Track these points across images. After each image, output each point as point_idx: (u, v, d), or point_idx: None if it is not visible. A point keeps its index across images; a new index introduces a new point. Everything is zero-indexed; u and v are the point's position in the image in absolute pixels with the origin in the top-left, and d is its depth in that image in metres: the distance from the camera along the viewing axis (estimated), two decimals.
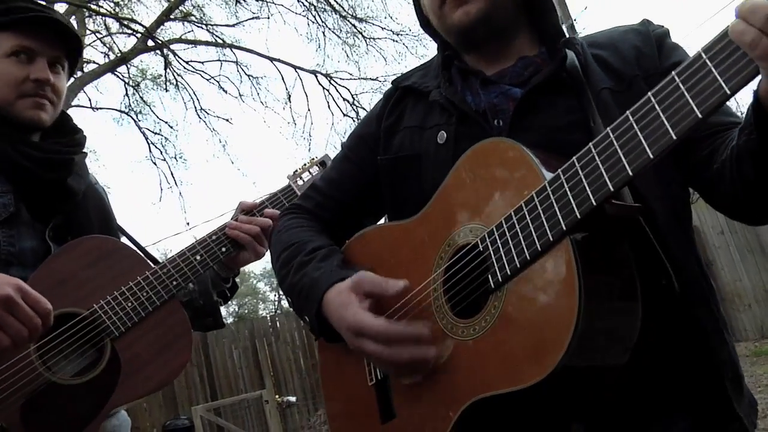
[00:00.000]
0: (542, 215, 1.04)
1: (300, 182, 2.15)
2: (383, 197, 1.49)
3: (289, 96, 16.65)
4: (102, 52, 15.49)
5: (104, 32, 15.30)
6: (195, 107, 16.27)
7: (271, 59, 15.88)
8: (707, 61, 0.87)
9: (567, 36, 1.38)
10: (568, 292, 0.99)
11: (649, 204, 1.16)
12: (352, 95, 16.35)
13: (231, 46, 16.05)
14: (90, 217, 1.93)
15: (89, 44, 15.18)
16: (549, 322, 1.01)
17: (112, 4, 15.00)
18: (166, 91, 15.82)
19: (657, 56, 1.32)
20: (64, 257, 1.78)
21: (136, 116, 16.04)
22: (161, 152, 16.17)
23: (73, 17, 14.51)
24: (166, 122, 16.53)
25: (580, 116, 1.26)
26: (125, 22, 14.34)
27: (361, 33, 16.04)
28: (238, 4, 15.85)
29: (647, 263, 1.10)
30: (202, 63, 16.23)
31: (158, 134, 16.25)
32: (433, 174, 1.32)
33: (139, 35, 14.45)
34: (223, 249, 1.97)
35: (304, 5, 16.11)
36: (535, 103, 1.31)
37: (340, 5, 16.06)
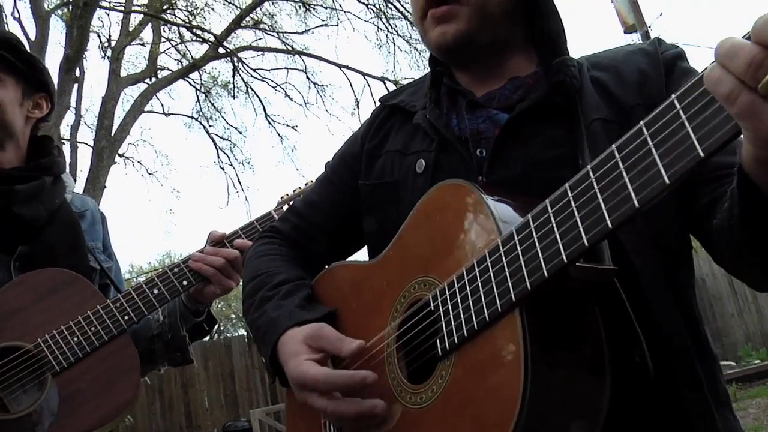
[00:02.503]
0: (493, 279, 0.92)
1: (287, 208, 2.03)
2: (364, 223, 1.39)
3: (358, 103, 16.63)
4: (176, 59, 15.92)
5: (178, 40, 15.69)
6: (264, 113, 16.45)
7: (340, 66, 15.93)
8: (681, 111, 0.71)
9: (566, 55, 1.24)
10: (514, 369, 0.86)
11: (630, 261, 1.02)
12: None
13: (301, 53, 16.20)
14: (55, 245, 1.88)
15: (163, 51, 15.61)
16: (493, 402, 0.89)
17: (186, 13, 15.39)
18: (234, 98, 16.08)
19: (664, 82, 1.16)
20: (16, 289, 1.76)
21: (207, 122, 16.38)
22: (229, 158, 16.43)
23: (149, 26, 14.95)
24: (236, 128, 16.65)
25: (568, 149, 1.13)
26: (197, 31, 14.64)
27: None
28: (307, 12, 15.98)
29: (623, 334, 0.96)
30: (269, 71, 16.37)
31: (226, 140, 16.53)
32: (411, 204, 1.20)
33: (210, 43, 14.73)
34: (185, 282, 1.88)
35: (373, 11, 16.12)
36: (520, 131, 1.18)
37: (408, 11, 15.97)
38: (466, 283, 0.97)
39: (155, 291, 1.85)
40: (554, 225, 0.84)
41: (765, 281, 0.98)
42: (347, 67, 15.86)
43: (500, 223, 0.95)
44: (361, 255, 1.47)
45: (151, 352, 2.00)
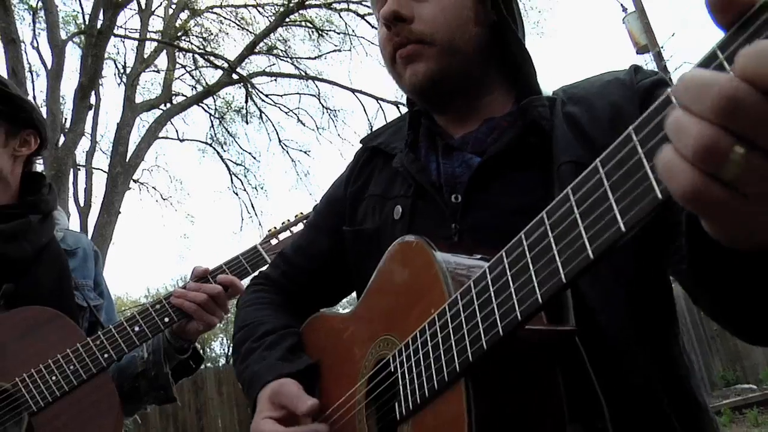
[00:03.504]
0: (441, 346, 0.88)
1: (275, 242, 1.99)
2: (351, 268, 1.36)
3: (371, 127, 16.66)
4: (190, 85, 16.07)
5: (192, 66, 15.85)
6: (278, 138, 16.52)
7: (353, 90, 16.00)
8: (638, 145, 0.61)
9: (537, 91, 1.19)
10: None
11: (595, 317, 0.94)
12: None
13: (314, 78, 16.30)
14: (40, 283, 1.86)
15: (178, 78, 15.77)
16: None
17: (200, 40, 15.56)
18: (247, 123, 16.16)
19: (639, 115, 1.08)
20: None
21: (221, 147, 16.47)
22: (242, 183, 16.50)
23: (164, 53, 15.12)
24: (249, 153, 16.74)
25: (541, 195, 1.06)
26: (210, 57, 14.77)
27: None
28: (320, 38, 16.09)
29: (585, 398, 0.88)
30: (282, 96, 16.47)
31: (240, 165, 16.62)
32: None
33: (223, 69, 14.86)
34: (166, 319, 1.84)
35: None
36: (492, 176, 1.13)
37: None
38: (419, 346, 0.93)
39: (136, 328, 1.81)
40: (492, 293, 0.80)
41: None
42: (360, 92, 15.94)
43: (450, 285, 0.91)
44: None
45: (136, 390, 1.96)
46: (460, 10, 1.20)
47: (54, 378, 1.70)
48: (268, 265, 1.64)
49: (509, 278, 0.77)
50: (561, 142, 1.10)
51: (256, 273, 1.82)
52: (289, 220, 2.03)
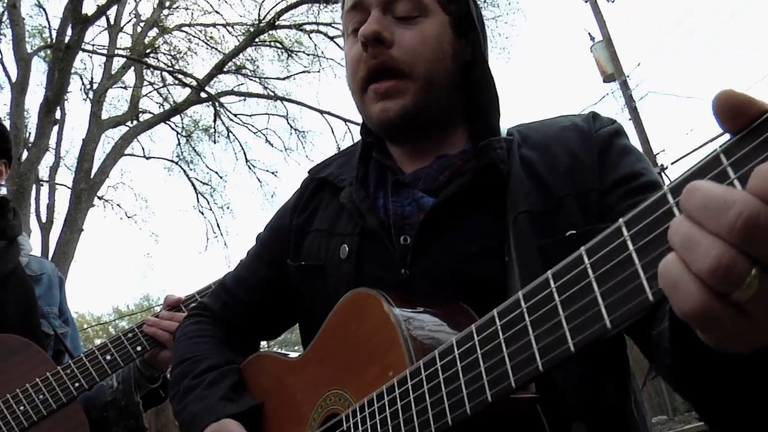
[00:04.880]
0: (400, 415, 0.88)
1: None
2: (295, 302, 1.33)
3: (338, 148, 16.62)
4: (157, 103, 15.93)
5: (160, 84, 15.72)
6: (245, 158, 16.42)
7: (321, 111, 15.97)
8: (629, 241, 0.60)
9: (497, 130, 1.18)
10: None
11: (554, 382, 0.95)
12: None
13: (282, 99, 16.24)
14: (7, 311, 1.84)
15: (145, 95, 15.63)
16: None
17: (169, 57, 15.45)
18: (215, 142, 16.04)
19: (597, 168, 1.08)
20: None
21: (187, 165, 16.31)
22: (209, 202, 16.34)
23: (132, 69, 14.99)
24: (216, 172, 16.59)
25: (495, 242, 1.06)
26: (179, 75, 14.67)
27: None
28: (290, 58, 16.07)
29: None
30: (250, 116, 16.39)
31: (207, 184, 16.45)
32: (336, 291, 1.14)
33: (192, 87, 14.76)
34: (138, 348, 1.83)
35: None
36: (445, 220, 1.11)
37: None
38: (376, 410, 0.93)
39: (108, 357, 1.79)
40: (459, 369, 0.80)
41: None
42: (328, 113, 15.91)
43: (411, 351, 0.91)
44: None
45: (104, 420, 1.93)
46: (441, 44, 1.18)
47: (22, 408, 1.67)
48: (207, 295, 1.60)
49: (479, 357, 0.77)
50: (517, 188, 1.09)
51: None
52: None
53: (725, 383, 0.70)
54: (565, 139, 1.14)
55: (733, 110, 0.51)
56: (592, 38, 14.67)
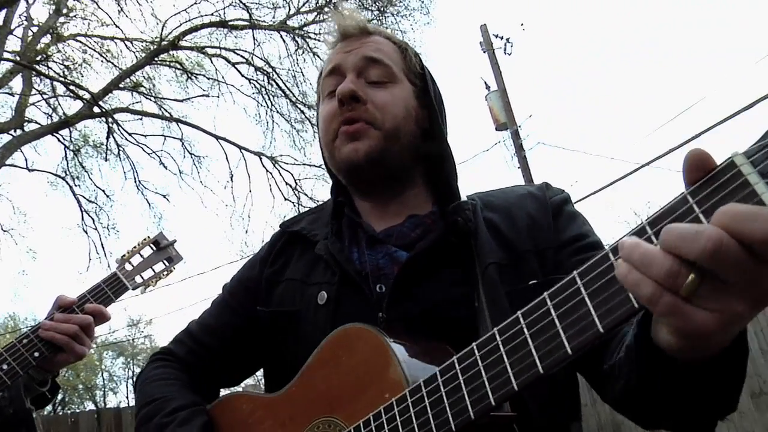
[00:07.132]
0: (401, 429, 0.95)
1: (129, 267, 1.99)
2: (262, 349, 1.39)
3: (232, 176, 16.42)
4: (45, 113, 15.20)
5: (50, 93, 15.06)
6: (135, 178, 15.91)
7: (217, 137, 15.77)
8: (582, 287, 0.78)
9: (459, 197, 1.34)
10: None
11: (525, 403, 1.07)
12: (295, 180, 16.26)
13: (178, 121, 15.90)
14: None
15: (33, 104, 14.92)
16: None
17: (62, 67, 14.86)
18: (106, 160, 15.48)
19: (552, 228, 1.26)
20: None
21: (73, 181, 15.63)
22: (94, 221, 15.68)
23: (20, 75, 14.29)
24: (103, 191, 15.95)
25: (466, 290, 1.19)
26: (72, 87, 14.12)
27: (309, 120, 16.02)
28: (189, 80, 15.84)
29: None
30: (146, 136, 15.94)
31: (93, 202, 15.80)
32: (312, 335, 1.22)
33: (84, 100, 14.23)
34: (36, 354, 1.76)
35: (255, 87, 16.21)
36: (419, 271, 1.24)
37: (290, 91, 16.18)
38: (373, 429, 0.99)
39: (4, 366, 1.71)
40: (461, 381, 0.89)
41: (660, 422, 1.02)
42: (224, 139, 15.76)
43: (407, 372, 0.98)
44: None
45: None
46: (407, 107, 1.35)
47: None
48: (171, 341, 1.62)
49: (482, 370, 0.88)
50: (484, 244, 1.24)
51: (118, 299, 1.89)
52: (138, 245, 2.05)
53: (678, 393, 0.86)
54: (523, 205, 1.31)
55: (699, 163, 0.68)
56: (488, 87, 15.23)
